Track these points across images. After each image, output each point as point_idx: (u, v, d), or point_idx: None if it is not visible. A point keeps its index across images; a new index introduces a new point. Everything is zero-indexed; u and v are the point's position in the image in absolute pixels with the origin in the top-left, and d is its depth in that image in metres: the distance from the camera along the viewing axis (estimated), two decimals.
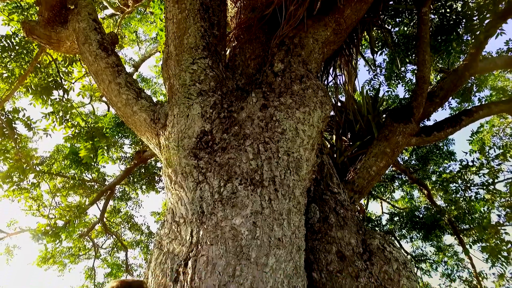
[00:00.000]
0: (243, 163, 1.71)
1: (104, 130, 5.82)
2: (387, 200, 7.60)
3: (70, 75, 5.64)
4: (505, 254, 5.29)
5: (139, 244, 8.60)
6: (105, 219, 7.63)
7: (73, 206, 6.99)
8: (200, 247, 1.48)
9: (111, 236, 8.26)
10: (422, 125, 4.20)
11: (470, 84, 5.79)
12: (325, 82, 4.01)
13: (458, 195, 6.31)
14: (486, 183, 5.69)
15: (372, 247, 2.01)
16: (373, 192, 7.04)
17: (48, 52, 4.77)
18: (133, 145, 7.18)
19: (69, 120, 5.44)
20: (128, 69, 9.14)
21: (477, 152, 6.01)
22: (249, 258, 1.41)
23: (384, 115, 3.93)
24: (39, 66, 4.77)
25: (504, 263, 5.27)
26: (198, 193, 1.66)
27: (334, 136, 3.92)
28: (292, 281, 1.49)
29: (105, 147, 5.57)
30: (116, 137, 6.92)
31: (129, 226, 8.49)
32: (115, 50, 2.68)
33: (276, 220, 1.54)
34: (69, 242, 7.57)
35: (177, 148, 1.98)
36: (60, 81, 5.22)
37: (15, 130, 4.60)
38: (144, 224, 8.81)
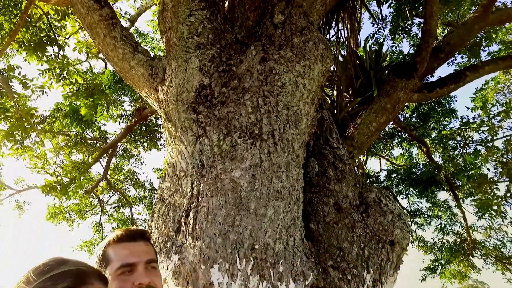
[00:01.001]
0: (242, 116, 1.71)
1: (103, 87, 5.74)
2: (386, 157, 7.70)
3: (63, 29, 5.44)
4: (495, 208, 5.46)
5: (143, 200, 8.87)
6: (108, 176, 7.79)
7: (77, 164, 7.12)
8: (200, 199, 1.52)
9: (116, 193, 8.51)
10: (425, 81, 4.12)
11: (478, 38, 5.58)
12: (327, 36, 3.87)
13: (456, 152, 6.38)
14: (485, 140, 5.72)
15: (369, 200, 2.07)
16: (372, 149, 7.11)
17: (37, 5, 4.56)
18: (133, 102, 7.12)
19: (67, 77, 5.34)
20: (124, 23, 8.79)
21: (479, 109, 5.96)
22: (248, 209, 1.46)
23: (386, 71, 3.85)
24: (29, 20, 4.58)
25: (492, 216, 5.46)
26: (198, 147, 1.68)
27: (335, 92, 3.87)
28: (290, 230, 1.56)
29: (105, 105, 5.53)
30: (115, 95, 6.85)
31: (132, 183, 8.70)
32: (109, 2, 2.56)
33: (275, 173, 1.57)
34: (75, 198, 7.81)
35: (176, 102, 1.96)
36: (53, 36, 5.05)
37: (12, 89, 4.54)
38: (147, 180, 9.02)
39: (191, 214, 1.51)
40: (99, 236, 8.75)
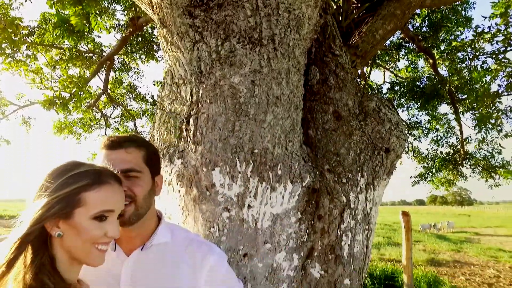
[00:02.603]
0: (241, 20, 1.60)
1: None
2: (390, 69, 7.49)
3: None
4: (493, 121, 5.52)
5: (145, 113, 8.97)
6: (109, 90, 7.74)
7: (75, 78, 7.00)
8: (200, 105, 1.53)
9: (118, 107, 8.56)
10: None
11: None
12: None
13: (463, 65, 6.17)
14: (497, 52, 5.47)
15: (368, 109, 2.08)
16: (377, 61, 6.88)
17: None
18: (126, 11, 6.64)
19: None
20: None
21: (497, 17, 5.53)
22: (247, 115, 1.48)
23: None
24: None
25: (488, 129, 5.57)
26: (196, 53, 1.61)
27: None
28: (288, 136, 1.60)
29: (97, 12, 5.15)
30: (106, 2, 6.34)
31: (133, 96, 8.68)
32: None
33: (275, 79, 1.54)
34: (78, 113, 7.89)
35: (171, 6, 1.82)
36: None
37: None
38: (148, 93, 9.00)
39: (191, 120, 1.53)
40: None
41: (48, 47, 7.01)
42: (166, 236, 1.20)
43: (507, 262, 11.28)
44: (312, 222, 1.62)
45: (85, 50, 7.39)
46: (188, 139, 1.55)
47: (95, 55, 7.50)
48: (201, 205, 1.50)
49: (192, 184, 1.53)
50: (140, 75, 8.76)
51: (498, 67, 5.61)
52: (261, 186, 1.50)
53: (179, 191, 1.59)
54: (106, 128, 8.64)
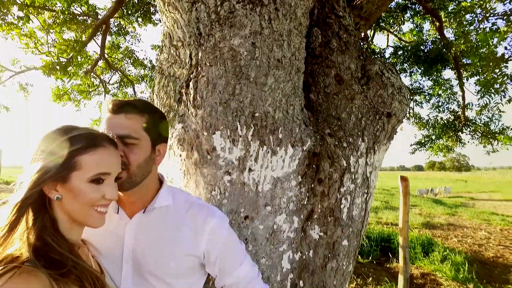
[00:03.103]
0: None
1: None
2: (395, 32, 7.25)
3: None
4: (497, 86, 5.42)
5: (144, 78, 8.81)
6: (106, 55, 7.56)
7: (71, 42, 6.80)
8: (200, 68, 1.50)
9: (116, 72, 8.40)
10: None
11: None
12: None
13: (471, 28, 5.96)
14: (509, 12, 5.25)
15: (371, 73, 2.04)
16: (381, 24, 6.64)
17: None
18: None
19: None
20: None
21: None
22: (248, 78, 1.45)
23: None
24: None
25: (491, 94, 5.48)
26: (194, 14, 1.55)
27: None
28: (289, 100, 1.58)
29: None
30: None
31: (131, 61, 8.49)
32: None
33: (276, 41, 1.50)
34: (76, 79, 7.76)
35: None
36: None
37: None
38: (146, 58, 8.79)
39: (191, 84, 1.51)
40: None
41: (39, 9, 6.75)
42: (167, 199, 1.22)
43: (499, 224, 11.65)
44: (312, 185, 1.65)
45: (79, 13, 7.13)
46: (188, 103, 1.53)
47: (90, 19, 7.24)
48: (202, 169, 1.51)
49: (193, 148, 1.53)
50: (138, 39, 8.51)
51: (509, 29, 5.42)
52: (262, 149, 1.51)
53: (180, 155, 1.60)
54: (105, 95, 8.54)
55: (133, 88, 8.54)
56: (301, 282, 1.67)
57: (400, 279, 5.04)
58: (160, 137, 1.17)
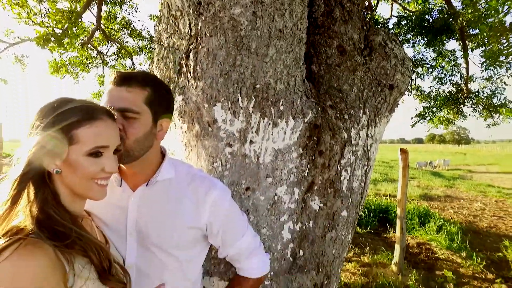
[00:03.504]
0: None
1: None
2: (399, 1, 7.01)
3: None
4: (503, 58, 5.30)
5: (143, 50, 8.61)
6: (103, 26, 7.35)
7: (65, 12, 6.59)
8: (199, 39, 1.46)
9: (114, 44, 8.21)
10: None
11: None
12: None
13: None
14: None
15: (374, 44, 2.00)
16: None
17: None
18: None
19: None
20: None
21: None
22: (249, 49, 1.42)
23: None
24: None
25: (496, 66, 5.37)
26: None
27: None
28: (291, 71, 1.56)
29: None
30: None
31: (129, 32, 8.26)
32: None
33: (277, 10, 1.45)
34: (73, 51, 7.59)
35: None
36: None
37: None
38: (144, 29, 8.54)
39: (191, 55, 1.48)
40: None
41: None
42: (170, 172, 1.23)
43: (494, 196, 11.87)
44: (313, 157, 1.66)
45: None
46: (188, 74, 1.51)
47: None
48: (203, 140, 1.52)
49: (194, 120, 1.53)
50: (134, 9, 8.24)
51: None
52: (263, 121, 1.51)
53: (181, 127, 1.60)
54: (103, 67, 8.40)
55: (132, 60, 8.38)
56: (301, 251, 1.73)
57: (397, 248, 5.21)
58: (163, 112, 1.14)
